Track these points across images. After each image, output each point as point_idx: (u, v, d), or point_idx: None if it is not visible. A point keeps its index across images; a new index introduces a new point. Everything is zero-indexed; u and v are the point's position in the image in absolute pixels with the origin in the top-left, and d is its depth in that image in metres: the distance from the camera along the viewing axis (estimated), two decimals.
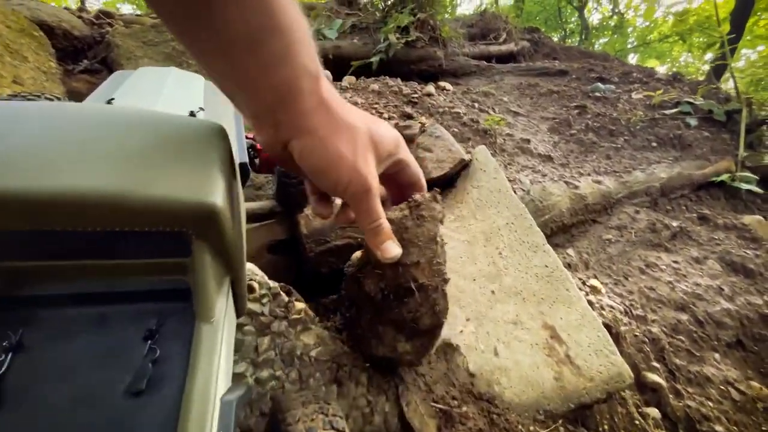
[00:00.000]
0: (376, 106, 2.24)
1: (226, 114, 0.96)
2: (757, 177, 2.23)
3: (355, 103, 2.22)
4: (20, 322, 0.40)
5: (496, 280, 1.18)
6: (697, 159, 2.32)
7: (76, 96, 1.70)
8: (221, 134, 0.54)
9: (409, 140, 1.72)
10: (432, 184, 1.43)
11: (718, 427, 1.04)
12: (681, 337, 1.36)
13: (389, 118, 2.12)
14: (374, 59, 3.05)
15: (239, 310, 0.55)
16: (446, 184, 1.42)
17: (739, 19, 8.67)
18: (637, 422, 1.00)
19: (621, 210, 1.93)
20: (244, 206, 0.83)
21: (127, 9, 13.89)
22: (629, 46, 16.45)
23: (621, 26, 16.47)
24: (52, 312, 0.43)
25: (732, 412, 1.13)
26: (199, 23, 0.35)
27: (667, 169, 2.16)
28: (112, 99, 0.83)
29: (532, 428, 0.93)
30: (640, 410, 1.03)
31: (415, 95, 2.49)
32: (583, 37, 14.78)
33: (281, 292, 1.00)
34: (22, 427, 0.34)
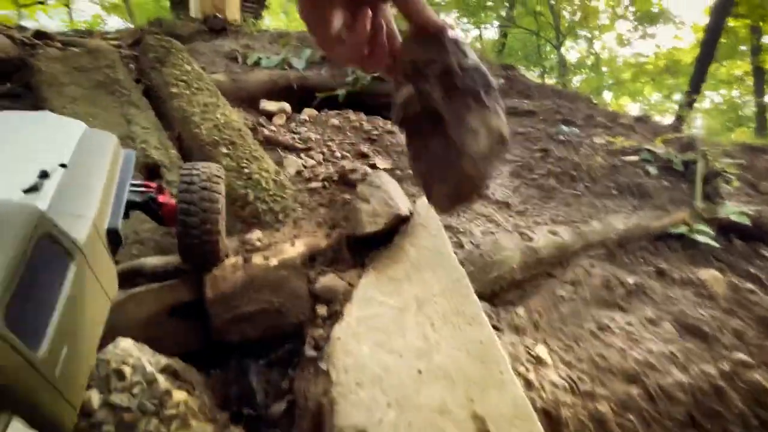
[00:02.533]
0: (330, 143, 2.15)
1: (99, 171, 0.83)
2: (713, 229, 2.22)
3: (309, 138, 2.12)
4: None
5: (424, 356, 1.05)
6: (655, 209, 2.30)
7: None
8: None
9: (353, 185, 1.62)
10: (365, 240, 1.32)
11: None
12: (630, 416, 1.25)
13: (342, 157, 2.02)
14: (341, 92, 2.99)
15: None
16: (381, 241, 1.31)
17: (703, 64, 9.18)
18: None
19: (577, 263, 1.86)
20: (97, 288, 0.69)
21: (115, 21, 13.73)
22: (604, 84, 17.28)
23: (596, 65, 17.33)
24: None
25: None
26: None
27: (624, 220, 2.12)
28: None
29: None
30: None
31: (376, 132, 2.42)
32: (561, 74, 15.44)
33: (159, 379, 0.84)
34: None
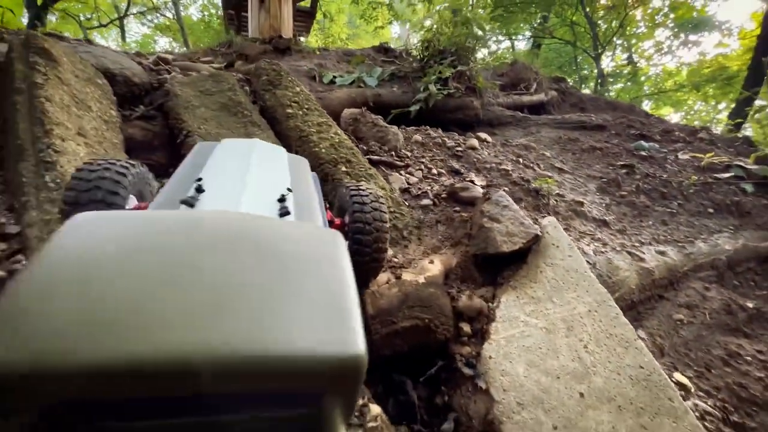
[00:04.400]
0: (423, 159, 2.20)
1: (308, 186, 0.90)
2: None
3: (405, 156, 2.18)
4: None
5: (584, 380, 1.05)
6: (759, 229, 2.19)
7: (131, 143, 1.69)
8: (342, 248, 0.50)
9: (470, 203, 1.65)
10: (502, 258, 1.34)
11: None
12: None
13: (439, 174, 2.06)
14: (413, 108, 3.05)
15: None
16: (517, 259, 1.32)
17: (757, 72, 8.71)
18: None
19: (688, 285, 1.79)
20: None
21: (164, 42, 14.65)
22: (644, 93, 16.69)
23: (635, 75, 16.80)
24: None
25: None
26: None
27: (731, 240, 2.04)
28: (200, 179, 0.77)
29: None
30: None
31: (459, 149, 2.45)
32: (599, 84, 15.07)
33: None
34: None
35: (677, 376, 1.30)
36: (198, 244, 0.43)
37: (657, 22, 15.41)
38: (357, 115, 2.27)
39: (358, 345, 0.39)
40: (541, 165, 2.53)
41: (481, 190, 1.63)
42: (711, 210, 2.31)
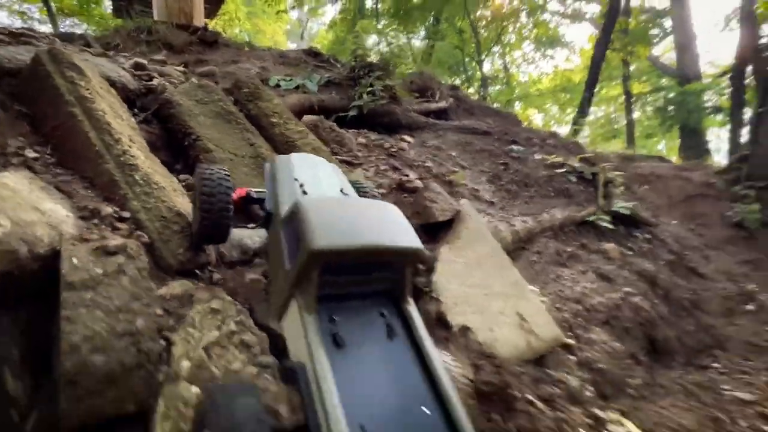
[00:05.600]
0: (370, 158, 2.89)
1: (351, 190, 1.54)
2: (610, 217, 3.46)
3: (357, 155, 2.83)
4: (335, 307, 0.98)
5: (487, 288, 1.92)
6: (578, 205, 3.48)
7: None
8: (393, 207, 1.20)
9: (413, 191, 2.42)
10: (439, 225, 2.14)
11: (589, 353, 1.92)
12: (580, 320, 2.27)
13: (385, 170, 2.79)
14: (351, 112, 3.70)
15: None
16: (447, 225, 2.14)
17: (590, 87, 11.46)
18: (565, 363, 1.81)
19: (538, 240, 2.89)
20: None
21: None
22: (515, 96, 19.89)
23: (509, 80, 19.93)
24: (348, 301, 1.02)
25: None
26: None
27: (561, 213, 3.24)
28: (302, 184, 1.35)
29: (519, 370, 1.65)
30: (571, 356, 1.85)
31: (393, 149, 3.21)
32: (483, 86, 17.56)
33: None
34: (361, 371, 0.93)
35: (530, 287, 2.29)
36: (351, 204, 1.07)
37: (524, 35, 18.54)
38: (317, 122, 2.84)
39: (419, 244, 1.10)
40: (449, 163, 3.46)
41: (420, 183, 2.41)
42: (552, 194, 3.53)
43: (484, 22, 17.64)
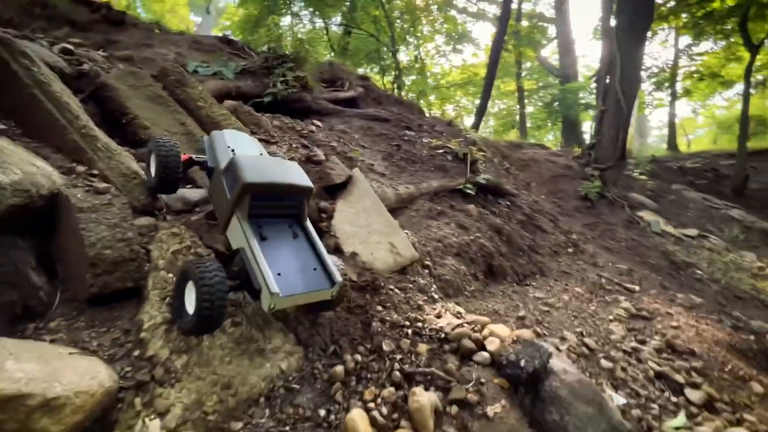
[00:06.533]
0: (285, 137, 3.54)
1: (264, 150, 2.22)
2: (474, 186, 4.60)
3: (273, 135, 3.45)
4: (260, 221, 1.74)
5: (370, 226, 2.76)
6: (451, 177, 4.55)
7: None
8: (299, 166, 1.99)
9: (318, 162, 3.15)
10: (337, 186, 2.92)
11: (440, 271, 2.91)
12: (438, 252, 3.26)
13: (296, 148, 3.46)
14: (266, 99, 4.24)
15: None
16: (343, 186, 2.92)
17: (489, 82, 13.14)
18: (420, 273, 2.75)
19: (417, 201, 3.85)
20: None
21: None
22: (429, 86, 21.45)
23: (422, 71, 21.40)
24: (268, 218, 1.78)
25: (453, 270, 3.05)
26: None
27: (437, 182, 4.26)
28: (233, 149, 1.99)
29: (387, 276, 2.52)
30: (426, 270, 2.80)
31: (304, 132, 3.89)
32: (397, 75, 18.66)
33: None
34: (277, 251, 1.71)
35: (404, 233, 3.21)
36: (268, 159, 1.79)
37: (436, 29, 20.04)
38: (236, 107, 3.37)
39: (311, 184, 1.86)
40: (352, 143, 4.25)
41: (323, 156, 3.15)
42: (432, 169, 4.55)
43: (398, 13, 18.62)
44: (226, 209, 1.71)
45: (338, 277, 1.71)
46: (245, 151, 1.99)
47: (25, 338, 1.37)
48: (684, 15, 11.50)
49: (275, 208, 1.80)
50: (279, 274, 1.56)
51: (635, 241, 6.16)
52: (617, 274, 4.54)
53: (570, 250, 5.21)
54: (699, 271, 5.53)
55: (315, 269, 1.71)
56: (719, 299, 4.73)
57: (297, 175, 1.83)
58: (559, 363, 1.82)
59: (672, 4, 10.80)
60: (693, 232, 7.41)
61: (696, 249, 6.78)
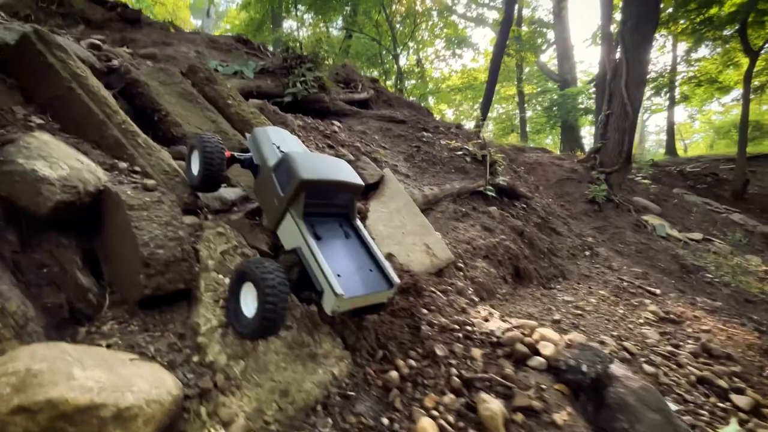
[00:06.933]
0: (310, 138, 3.48)
1: (305, 147, 2.15)
2: (494, 188, 4.55)
3: (299, 135, 3.38)
4: (312, 220, 1.68)
5: (404, 228, 2.69)
6: (471, 179, 4.50)
7: None
8: (347, 163, 1.93)
9: (350, 162, 3.08)
10: (369, 186, 2.85)
11: (473, 273, 2.85)
12: (468, 254, 3.20)
13: (323, 148, 3.40)
14: (287, 99, 4.18)
15: None
16: (374, 186, 2.86)
17: (491, 87, 13.16)
18: (456, 275, 2.68)
19: (441, 203, 3.80)
20: None
21: None
22: (428, 90, 21.52)
23: (423, 75, 21.46)
24: (319, 217, 1.72)
25: (485, 272, 2.99)
26: None
27: (458, 184, 4.21)
28: (279, 146, 1.92)
29: (426, 278, 2.46)
30: (460, 273, 2.73)
31: (327, 132, 3.82)
32: (399, 79, 18.67)
33: None
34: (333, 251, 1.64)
35: (434, 233, 3.15)
36: (318, 156, 1.73)
37: (436, 33, 20.10)
38: (262, 105, 3.31)
39: (362, 182, 1.80)
40: (373, 144, 4.19)
41: (353, 156, 3.09)
42: (453, 170, 4.50)
43: (399, 17, 18.67)
44: (278, 207, 1.64)
45: (396, 279, 1.64)
46: (291, 148, 1.92)
47: (76, 343, 1.29)
48: (683, 21, 11.62)
49: (326, 206, 1.73)
50: (339, 276, 1.49)
51: (644, 244, 6.14)
52: (634, 278, 4.50)
53: (587, 253, 5.18)
54: (708, 275, 5.51)
55: (371, 270, 1.64)
56: (731, 302, 4.70)
57: (348, 173, 1.77)
58: (619, 368, 1.75)
59: (670, 10, 10.91)
60: (698, 235, 7.42)
61: (702, 253, 6.77)
